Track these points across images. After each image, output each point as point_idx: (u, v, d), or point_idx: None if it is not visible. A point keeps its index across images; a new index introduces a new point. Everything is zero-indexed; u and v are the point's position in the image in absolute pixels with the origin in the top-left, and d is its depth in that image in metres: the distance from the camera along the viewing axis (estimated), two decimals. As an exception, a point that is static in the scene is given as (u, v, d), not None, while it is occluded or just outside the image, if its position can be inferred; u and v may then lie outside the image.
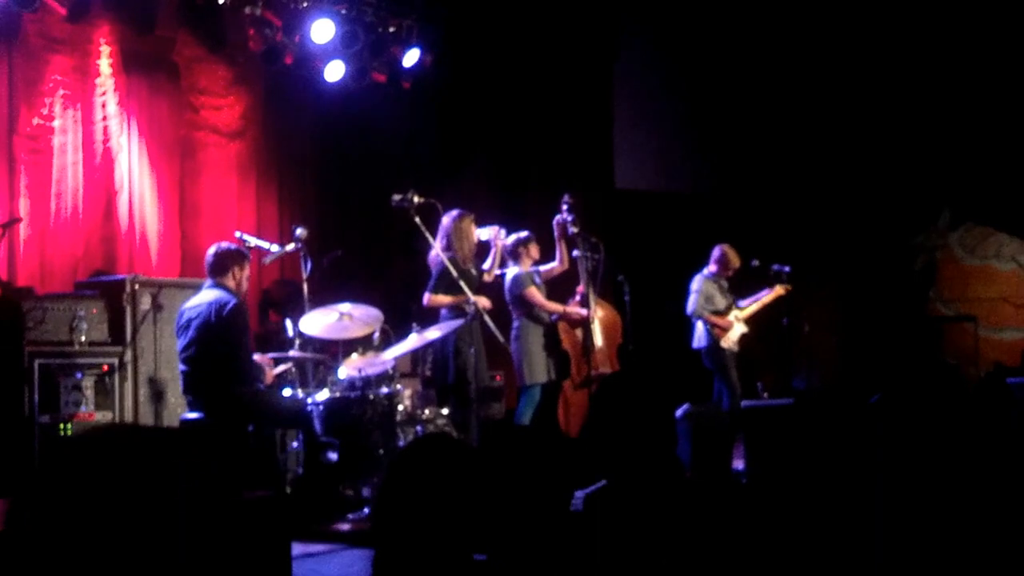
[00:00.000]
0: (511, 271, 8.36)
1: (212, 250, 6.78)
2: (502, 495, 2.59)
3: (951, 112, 11.28)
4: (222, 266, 6.69)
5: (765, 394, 10.43)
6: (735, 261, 9.54)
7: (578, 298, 8.55)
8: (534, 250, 8.42)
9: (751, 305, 9.64)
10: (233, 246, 6.90)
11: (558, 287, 8.67)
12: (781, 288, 9.73)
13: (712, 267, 9.54)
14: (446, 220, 7.87)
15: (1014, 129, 11.03)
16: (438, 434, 7.09)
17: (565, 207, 8.34)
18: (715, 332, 9.38)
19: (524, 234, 8.40)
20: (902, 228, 12.00)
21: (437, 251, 7.63)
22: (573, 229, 8.30)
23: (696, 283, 9.49)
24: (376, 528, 2.36)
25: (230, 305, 6.54)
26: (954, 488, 2.99)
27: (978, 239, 11.95)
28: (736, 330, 9.47)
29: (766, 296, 9.72)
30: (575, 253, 8.40)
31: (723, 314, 9.45)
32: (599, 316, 8.63)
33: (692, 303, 9.43)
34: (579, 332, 8.50)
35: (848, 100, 11.65)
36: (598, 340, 8.53)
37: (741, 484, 7.23)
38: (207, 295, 6.63)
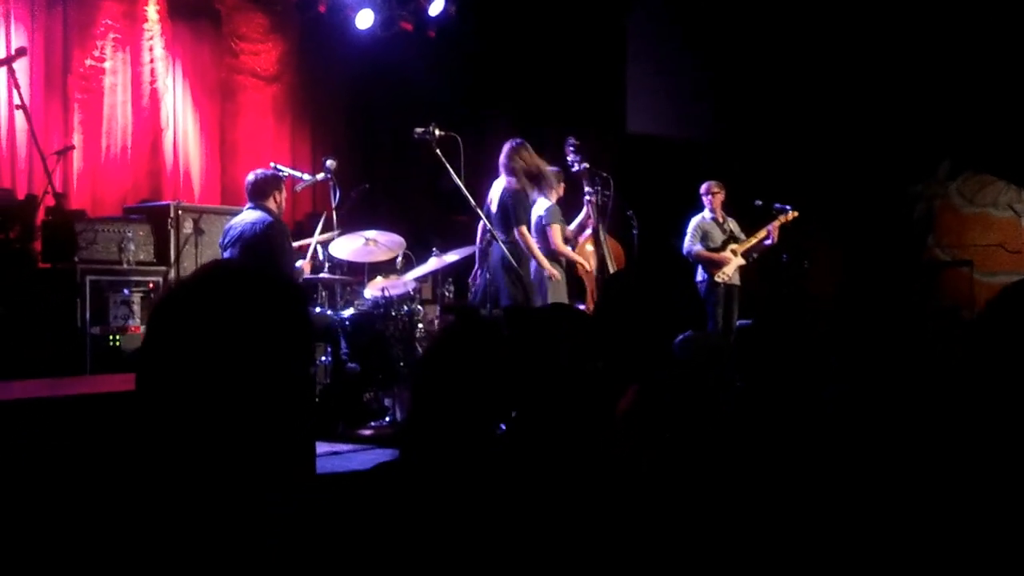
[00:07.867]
0: (542, 202, 8.15)
1: (251, 176, 7.30)
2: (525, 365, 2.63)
3: (952, 64, 11.23)
4: (261, 191, 7.20)
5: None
6: (718, 190, 9.83)
7: (588, 232, 8.73)
8: (560, 188, 8.41)
9: (750, 239, 9.86)
10: (270, 172, 7.43)
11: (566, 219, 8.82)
12: (781, 219, 9.90)
13: (706, 206, 9.87)
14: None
15: (1013, 79, 10.98)
16: (473, 313, 7.54)
17: (571, 148, 8.63)
18: (709, 269, 9.71)
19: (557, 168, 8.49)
20: (903, 177, 11.96)
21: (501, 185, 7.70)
22: (583, 166, 8.57)
23: (691, 224, 9.83)
24: (412, 401, 2.42)
25: (271, 223, 7.07)
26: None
27: (976, 188, 11.89)
28: (733, 264, 9.73)
29: (764, 230, 9.88)
30: (586, 190, 8.64)
31: (719, 249, 9.74)
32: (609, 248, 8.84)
33: (685, 243, 9.80)
34: (594, 263, 8.69)
35: (855, 50, 11.59)
36: (611, 269, 8.66)
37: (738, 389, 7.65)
38: (250, 215, 7.14)
